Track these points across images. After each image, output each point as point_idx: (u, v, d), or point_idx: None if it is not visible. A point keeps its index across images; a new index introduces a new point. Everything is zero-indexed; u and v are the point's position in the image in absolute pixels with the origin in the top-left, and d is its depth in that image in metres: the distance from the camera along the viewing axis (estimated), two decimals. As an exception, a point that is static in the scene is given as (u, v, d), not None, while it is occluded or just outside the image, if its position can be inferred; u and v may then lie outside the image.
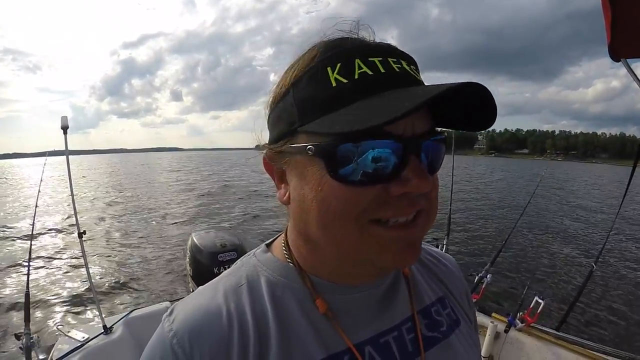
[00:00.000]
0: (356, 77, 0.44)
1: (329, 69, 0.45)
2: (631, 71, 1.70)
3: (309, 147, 0.45)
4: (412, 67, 0.48)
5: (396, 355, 0.55)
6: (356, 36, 0.50)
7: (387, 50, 0.47)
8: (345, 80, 0.44)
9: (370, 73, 0.44)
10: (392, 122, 0.38)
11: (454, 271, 0.73)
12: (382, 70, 0.45)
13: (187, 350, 0.48)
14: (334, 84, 0.45)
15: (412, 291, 0.62)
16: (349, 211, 0.45)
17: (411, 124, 0.44)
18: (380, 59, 0.45)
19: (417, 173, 0.44)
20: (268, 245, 0.64)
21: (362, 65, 0.45)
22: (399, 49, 0.49)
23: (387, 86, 0.44)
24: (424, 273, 0.68)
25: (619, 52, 1.63)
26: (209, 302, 0.53)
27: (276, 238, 0.65)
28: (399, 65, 0.46)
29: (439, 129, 0.50)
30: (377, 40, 0.50)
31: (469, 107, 0.46)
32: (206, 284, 0.58)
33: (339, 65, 0.45)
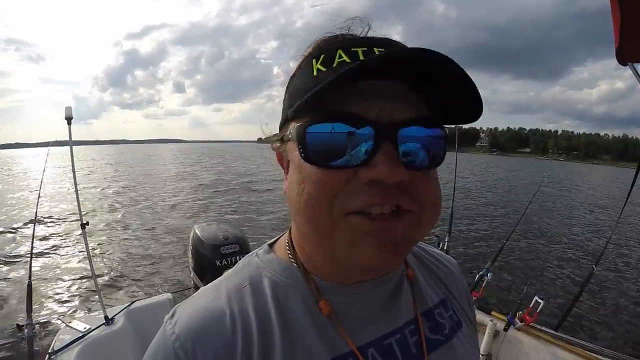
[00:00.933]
0: (334, 65, 0.45)
1: (314, 60, 0.47)
2: (637, 75, 1.71)
3: (289, 132, 0.48)
4: None
5: (399, 358, 0.54)
6: (355, 33, 0.51)
7: (377, 42, 0.47)
8: (324, 69, 0.46)
9: (349, 61, 0.45)
10: (326, 89, 0.40)
11: (455, 273, 0.73)
12: (362, 58, 0.45)
13: (190, 354, 0.47)
14: (315, 73, 0.46)
15: (415, 294, 0.62)
16: (322, 194, 0.44)
17: (389, 110, 0.44)
18: (365, 49, 0.45)
19: (386, 160, 0.42)
20: (271, 245, 0.63)
21: (342, 55, 0.45)
22: (397, 41, 0.48)
23: (377, 70, 0.42)
24: (426, 275, 0.68)
25: (626, 56, 1.64)
26: (212, 304, 0.53)
27: (279, 237, 0.64)
28: (382, 51, 0.45)
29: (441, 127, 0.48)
30: (381, 36, 0.50)
31: (454, 97, 0.45)
32: (208, 285, 0.58)
33: (322, 56, 0.47)
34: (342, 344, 0.52)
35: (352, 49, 0.45)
